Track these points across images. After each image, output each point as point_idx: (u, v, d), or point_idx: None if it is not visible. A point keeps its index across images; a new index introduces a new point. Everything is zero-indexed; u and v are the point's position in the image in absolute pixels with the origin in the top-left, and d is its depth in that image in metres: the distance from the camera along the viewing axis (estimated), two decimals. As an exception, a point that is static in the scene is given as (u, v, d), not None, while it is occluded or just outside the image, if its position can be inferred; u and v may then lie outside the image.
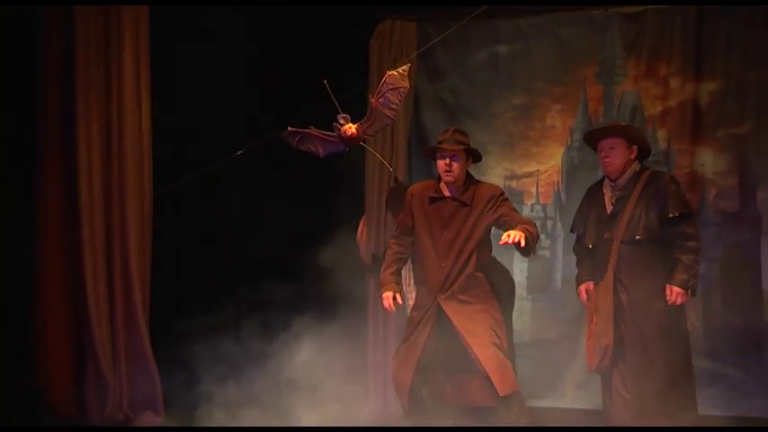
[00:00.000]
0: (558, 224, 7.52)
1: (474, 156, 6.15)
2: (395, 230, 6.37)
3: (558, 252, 7.43)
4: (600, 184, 6.33)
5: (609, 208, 6.16)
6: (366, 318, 7.62)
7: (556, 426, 6.20)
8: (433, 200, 6.14)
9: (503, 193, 6.14)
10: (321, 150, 5.88)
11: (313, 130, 5.84)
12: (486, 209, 6.03)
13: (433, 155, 6.20)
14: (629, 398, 5.99)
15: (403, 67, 5.87)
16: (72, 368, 7.51)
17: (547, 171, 7.53)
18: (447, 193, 6.11)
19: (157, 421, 7.32)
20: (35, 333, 7.52)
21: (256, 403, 6.85)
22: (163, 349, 7.36)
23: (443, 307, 6.00)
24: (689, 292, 5.97)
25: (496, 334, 5.96)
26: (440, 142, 6.11)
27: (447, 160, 6.04)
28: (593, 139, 6.28)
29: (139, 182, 7.47)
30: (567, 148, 7.50)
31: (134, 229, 7.43)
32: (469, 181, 6.14)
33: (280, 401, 6.70)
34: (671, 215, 5.98)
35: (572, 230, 6.47)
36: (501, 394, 5.83)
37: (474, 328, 5.94)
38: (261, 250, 7.94)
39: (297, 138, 5.87)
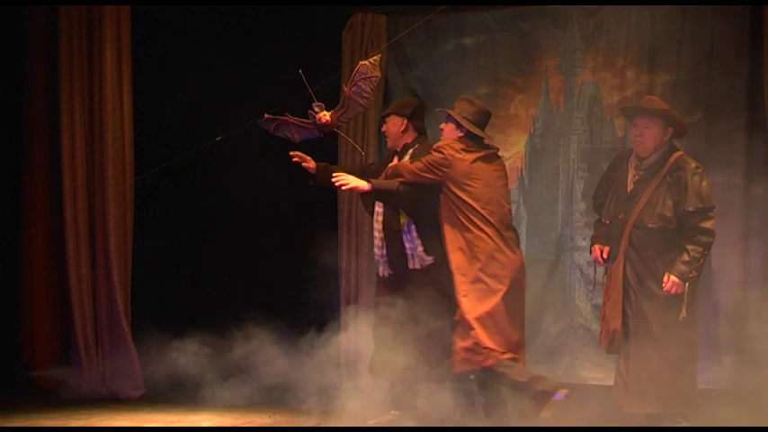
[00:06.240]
0: (522, 207, 7.66)
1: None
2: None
3: (522, 235, 7.39)
4: (628, 154, 6.24)
5: (629, 186, 6.06)
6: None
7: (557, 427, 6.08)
8: None
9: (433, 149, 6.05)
10: (297, 136, 6.10)
11: (289, 118, 6.05)
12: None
13: None
14: (628, 380, 5.94)
15: (374, 58, 6.07)
16: (57, 345, 7.70)
17: (511, 157, 7.59)
18: None
19: (137, 396, 7.47)
20: (21, 311, 7.70)
21: (234, 376, 6.96)
22: (142, 327, 7.45)
23: None
24: (686, 284, 5.83)
25: None
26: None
27: None
28: (630, 112, 6.20)
29: (121, 167, 7.64)
30: (529, 136, 7.66)
31: (115, 212, 7.59)
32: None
33: (256, 377, 6.79)
34: (688, 209, 5.87)
35: (593, 197, 6.41)
36: None
37: None
38: (239, 231, 8.11)
39: (274, 124, 6.10)
